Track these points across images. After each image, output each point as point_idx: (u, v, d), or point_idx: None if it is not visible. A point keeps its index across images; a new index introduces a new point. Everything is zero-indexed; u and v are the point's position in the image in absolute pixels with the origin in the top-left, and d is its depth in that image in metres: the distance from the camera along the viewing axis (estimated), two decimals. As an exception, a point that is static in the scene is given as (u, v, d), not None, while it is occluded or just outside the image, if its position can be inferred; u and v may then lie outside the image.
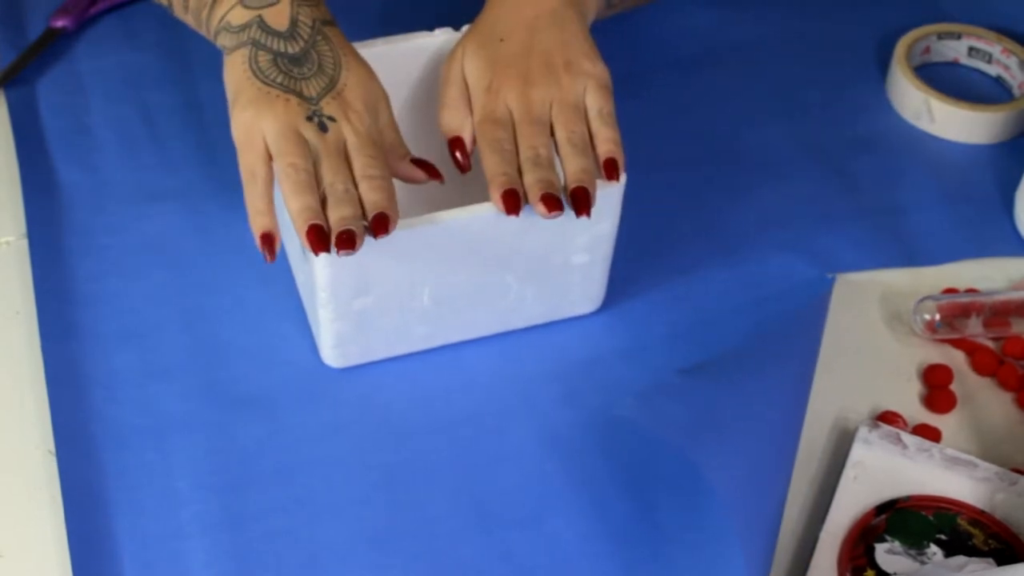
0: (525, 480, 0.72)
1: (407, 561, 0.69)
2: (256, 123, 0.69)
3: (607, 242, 0.77)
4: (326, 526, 0.70)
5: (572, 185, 0.71)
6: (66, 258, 0.82)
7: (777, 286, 0.83)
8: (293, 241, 0.77)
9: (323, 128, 0.69)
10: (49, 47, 0.97)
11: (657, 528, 0.70)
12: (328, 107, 0.70)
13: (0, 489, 0.71)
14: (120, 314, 0.79)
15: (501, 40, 0.75)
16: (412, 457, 0.73)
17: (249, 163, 0.70)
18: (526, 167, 0.71)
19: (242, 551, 0.68)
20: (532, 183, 0.71)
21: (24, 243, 0.83)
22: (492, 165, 0.71)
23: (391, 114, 0.74)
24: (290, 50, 0.71)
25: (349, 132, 0.70)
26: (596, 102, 0.74)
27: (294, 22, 0.72)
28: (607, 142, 0.73)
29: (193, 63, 0.96)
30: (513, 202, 0.70)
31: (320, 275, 0.70)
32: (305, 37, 0.72)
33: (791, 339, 0.77)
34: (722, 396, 0.71)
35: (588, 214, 0.71)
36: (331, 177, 0.68)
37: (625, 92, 0.84)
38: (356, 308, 0.73)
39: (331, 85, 0.71)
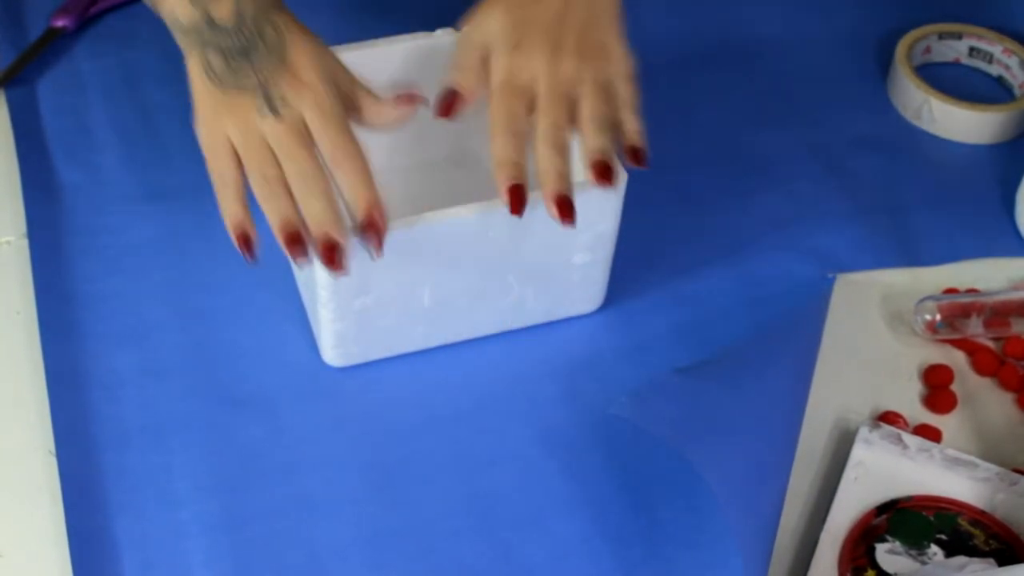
0: (525, 480, 0.72)
1: (407, 561, 0.68)
2: (220, 129, 0.68)
3: (608, 242, 0.77)
4: (326, 526, 0.70)
5: (593, 158, 0.69)
6: (66, 258, 0.82)
7: (777, 286, 0.83)
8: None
9: (275, 112, 0.67)
10: (49, 47, 0.97)
11: (656, 528, 0.70)
12: (278, 87, 0.68)
13: (0, 489, 0.71)
14: (120, 314, 0.79)
15: (535, 1, 0.72)
16: (412, 456, 0.73)
17: (219, 169, 0.68)
18: (542, 149, 0.69)
19: (242, 551, 0.68)
20: (546, 172, 0.68)
21: (24, 243, 0.83)
22: (502, 148, 0.69)
23: (351, 76, 0.71)
24: (238, 43, 0.68)
25: (308, 108, 0.68)
26: (626, 93, 0.72)
27: (239, 14, 0.69)
28: (637, 135, 0.71)
29: (193, 63, 0.96)
30: (518, 201, 0.68)
31: (320, 275, 0.70)
32: (250, 27, 0.69)
33: (791, 339, 0.77)
34: (722, 396, 0.71)
35: (611, 184, 0.69)
36: (291, 166, 0.67)
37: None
38: (356, 308, 0.73)
39: (280, 65, 0.68)
